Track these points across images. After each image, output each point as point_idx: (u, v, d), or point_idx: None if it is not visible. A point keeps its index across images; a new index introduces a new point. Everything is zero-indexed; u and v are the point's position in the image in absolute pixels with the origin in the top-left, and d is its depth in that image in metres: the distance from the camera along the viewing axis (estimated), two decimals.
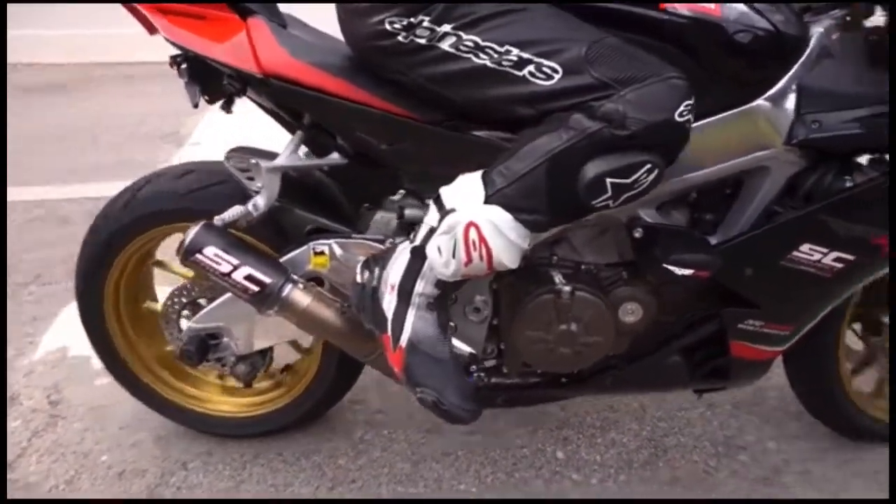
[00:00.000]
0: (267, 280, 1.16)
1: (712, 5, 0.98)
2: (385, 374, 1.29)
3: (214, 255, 1.15)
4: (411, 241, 1.06)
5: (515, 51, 0.95)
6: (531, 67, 0.94)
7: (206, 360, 1.32)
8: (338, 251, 1.20)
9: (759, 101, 1.01)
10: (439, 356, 1.07)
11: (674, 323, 1.19)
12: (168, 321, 1.36)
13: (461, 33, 0.97)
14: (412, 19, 0.98)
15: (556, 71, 0.93)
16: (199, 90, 1.14)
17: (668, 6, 0.98)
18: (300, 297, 1.18)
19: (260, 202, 1.16)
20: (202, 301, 1.34)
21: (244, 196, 1.19)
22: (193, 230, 1.16)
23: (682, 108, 0.91)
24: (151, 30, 1.18)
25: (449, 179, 1.08)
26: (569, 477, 1.37)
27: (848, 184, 1.02)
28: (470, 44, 0.96)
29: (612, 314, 1.14)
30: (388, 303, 1.07)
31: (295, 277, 1.19)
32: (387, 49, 1.02)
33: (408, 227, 1.22)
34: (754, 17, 0.99)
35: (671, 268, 1.01)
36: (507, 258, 0.99)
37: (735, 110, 1.01)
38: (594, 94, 0.92)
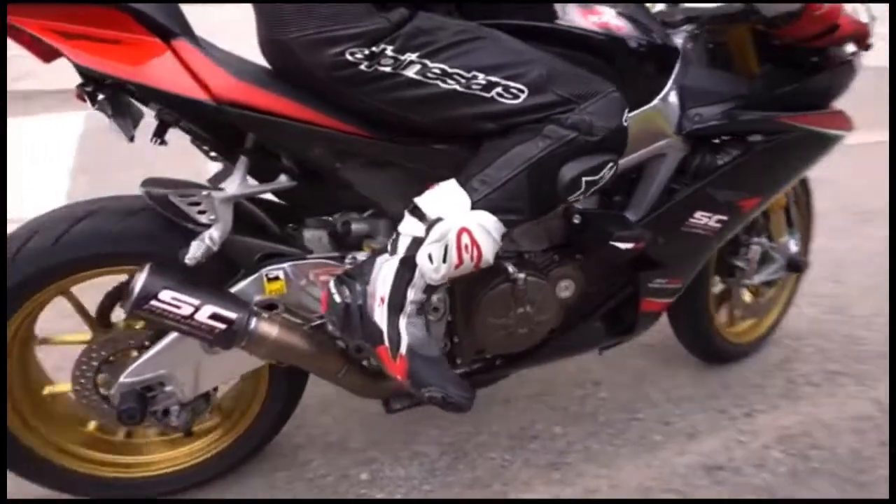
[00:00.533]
0: (233, 315, 1.11)
1: (619, 23, 1.18)
2: (351, 390, 1.30)
3: (172, 299, 1.07)
4: (391, 254, 1.10)
5: (482, 75, 1.04)
6: (499, 89, 1.05)
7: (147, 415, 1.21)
8: (294, 274, 1.19)
9: (656, 101, 1.24)
10: (433, 355, 1.13)
11: (596, 292, 1.39)
12: (84, 392, 1.21)
13: (427, 61, 1.03)
14: (374, 48, 1.02)
15: (522, 91, 1.05)
16: (130, 122, 1.04)
17: (585, 24, 1.16)
18: (268, 327, 1.14)
19: (216, 235, 1.10)
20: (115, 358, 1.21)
21: (181, 231, 1.12)
22: (142, 276, 1.06)
23: (625, 114, 1.09)
24: (46, 56, 1.04)
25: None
26: (373, 497, 1.38)
27: (720, 161, 1.30)
28: (437, 71, 1.03)
29: (554, 292, 1.30)
30: (380, 315, 1.10)
31: (256, 308, 1.15)
32: (349, 78, 1.04)
33: (342, 241, 1.26)
34: (641, 33, 1.22)
35: (617, 244, 1.20)
36: (491, 256, 1.09)
37: (640, 109, 1.22)
38: (558, 109, 1.06)
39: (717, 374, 1.74)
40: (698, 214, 1.31)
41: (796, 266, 1.63)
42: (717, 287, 1.65)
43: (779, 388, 1.70)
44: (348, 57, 1.02)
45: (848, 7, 1.19)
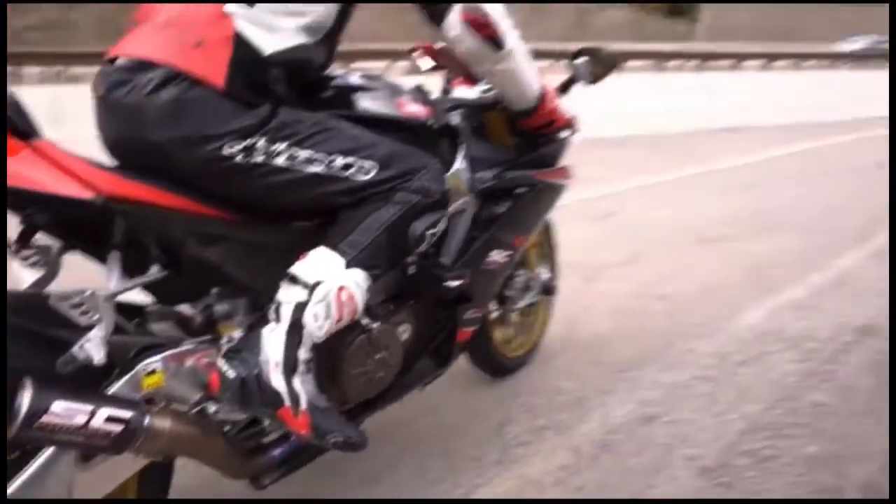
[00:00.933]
0: (128, 415, 1.07)
1: (419, 108, 1.48)
2: (227, 471, 1.31)
3: (65, 410, 1.00)
4: (276, 322, 1.20)
5: (340, 158, 1.23)
6: (354, 168, 1.24)
7: None
8: (171, 365, 1.19)
9: (453, 169, 1.56)
10: (325, 405, 1.25)
11: (425, 332, 1.63)
12: None
13: (294, 150, 1.19)
14: (247, 142, 1.14)
15: (373, 168, 1.26)
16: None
17: (401, 112, 1.43)
18: (161, 421, 1.13)
19: (101, 334, 1.06)
20: None
21: (33, 340, 1.05)
22: (27, 392, 0.98)
23: (445, 179, 1.38)
24: None
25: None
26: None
27: (500, 210, 1.67)
28: (303, 157, 1.20)
29: (397, 336, 1.51)
30: (277, 380, 1.18)
31: (143, 405, 1.12)
32: (227, 170, 1.14)
33: (190, 327, 1.30)
34: (436, 116, 1.54)
35: (449, 284, 1.47)
36: (362, 307, 1.26)
37: (446, 174, 1.52)
38: (401, 180, 1.29)
39: (439, 456, 1.77)
40: (493, 253, 1.66)
41: (549, 290, 2.10)
42: (494, 314, 2.03)
43: (495, 455, 1.77)
44: (225, 152, 1.13)
45: (562, 106, 1.68)
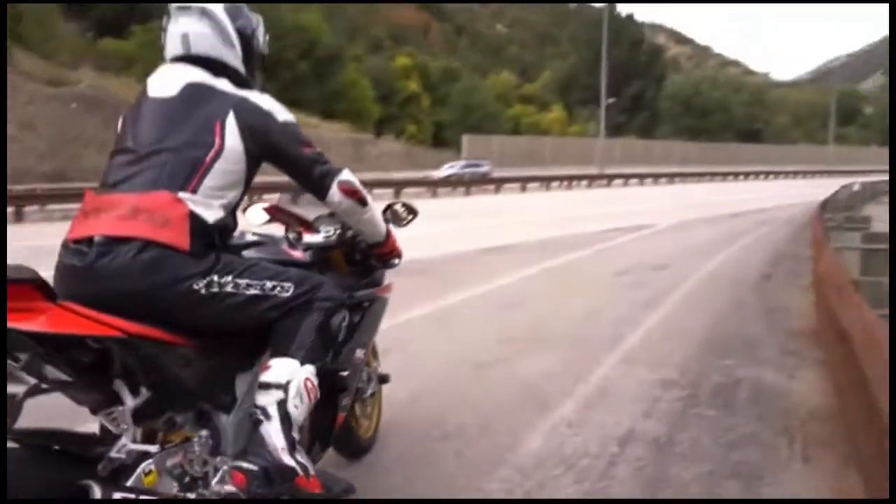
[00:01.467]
0: (155, 498, 1.40)
1: (298, 252, 2.05)
2: None
3: (123, 497, 1.34)
4: (267, 419, 1.64)
5: (269, 281, 1.75)
6: (278, 288, 1.76)
7: None
8: (159, 465, 1.53)
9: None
10: (313, 467, 1.70)
11: (316, 419, 2.09)
12: None
13: (237, 280, 1.69)
14: (207, 279, 1.62)
15: (291, 286, 1.79)
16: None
17: (289, 256, 1.99)
18: None
19: (128, 440, 1.39)
20: None
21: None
22: (96, 488, 1.30)
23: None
24: None
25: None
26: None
27: (356, 320, 2.26)
28: (244, 283, 1.70)
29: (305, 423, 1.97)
30: (288, 459, 1.63)
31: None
32: (197, 300, 1.60)
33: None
34: (303, 256, 2.11)
35: (343, 373, 2.00)
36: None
37: None
38: (313, 292, 1.83)
39: None
40: (357, 352, 2.22)
41: (384, 379, 2.68)
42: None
43: None
44: (194, 287, 1.59)
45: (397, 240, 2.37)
